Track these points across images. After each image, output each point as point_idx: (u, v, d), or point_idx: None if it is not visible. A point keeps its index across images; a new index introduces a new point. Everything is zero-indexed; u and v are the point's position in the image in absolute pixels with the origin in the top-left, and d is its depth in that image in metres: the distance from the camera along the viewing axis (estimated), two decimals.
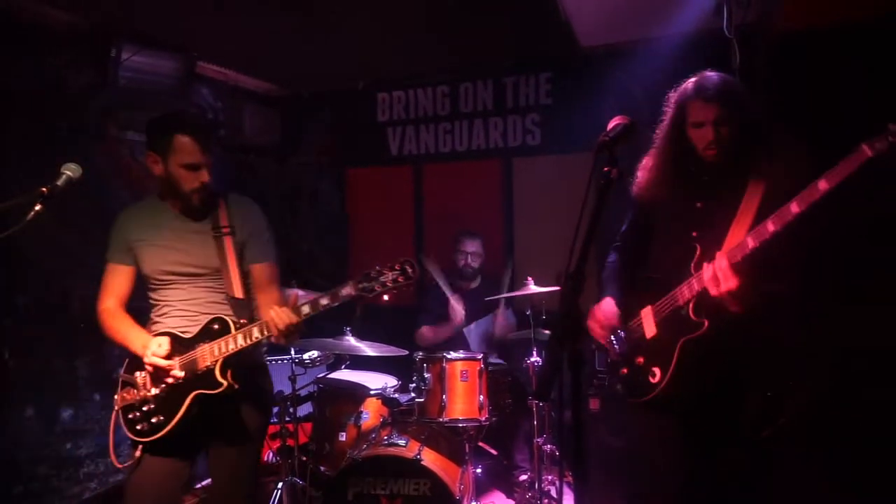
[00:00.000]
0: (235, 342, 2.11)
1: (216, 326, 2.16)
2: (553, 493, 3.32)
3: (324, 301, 2.04)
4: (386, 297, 2.05)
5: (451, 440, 3.18)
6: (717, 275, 1.83)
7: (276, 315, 2.05)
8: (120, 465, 2.25)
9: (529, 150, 4.46)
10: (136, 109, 3.90)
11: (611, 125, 1.59)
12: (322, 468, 3.35)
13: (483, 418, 3.15)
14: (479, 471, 3.26)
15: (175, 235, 2.25)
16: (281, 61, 4.36)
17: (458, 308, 3.88)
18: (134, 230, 2.28)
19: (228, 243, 2.25)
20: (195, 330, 2.19)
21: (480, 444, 3.51)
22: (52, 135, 3.48)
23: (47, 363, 3.46)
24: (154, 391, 2.15)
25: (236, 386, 2.12)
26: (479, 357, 3.23)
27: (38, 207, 1.90)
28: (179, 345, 2.17)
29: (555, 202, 4.12)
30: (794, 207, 1.71)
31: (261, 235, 2.33)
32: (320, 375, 3.59)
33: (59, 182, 2.00)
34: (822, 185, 1.67)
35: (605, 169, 1.53)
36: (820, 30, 3.11)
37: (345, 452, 3.15)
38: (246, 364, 2.24)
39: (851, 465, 2.76)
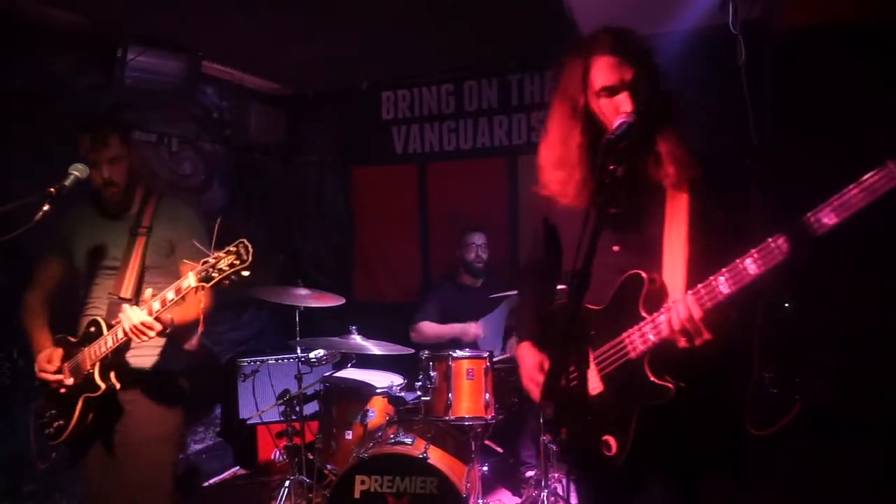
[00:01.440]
0: (106, 344, 2.12)
1: (92, 329, 2.19)
2: (560, 490, 3.32)
3: (169, 295, 2.02)
4: (226, 283, 1.95)
5: (457, 438, 3.19)
6: (687, 327, 1.44)
7: (126, 315, 2.05)
8: (42, 466, 2.32)
9: (534, 149, 4.40)
10: (142, 110, 3.92)
11: (616, 123, 1.58)
12: (328, 466, 3.36)
13: (489, 416, 3.15)
14: (485, 469, 3.27)
15: (100, 231, 2.32)
16: (286, 60, 4.37)
17: (475, 333, 3.88)
18: (69, 226, 2.38)
19: (139, 243, 2.29)
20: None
21: (486, 442, 3.51)
22: (58, 135, 3.49)
23: None
24: (51, 400, 2.23)
25: (117, 386, 2.15)
26: (486, 355, 3.24)
27: (46, 207, 1.93)
28: (72, 348, 2.22)
29: None
30: (782, 243, 1.32)
31: (191, 235, 2.30)
32: (326, 374, 3.59)
33: (67, 182, 2.03)
34: (830, 219, 1.27)
35: (611, 167, 1.51)
36: (826, 27, 3.09)
37: (351, 451, 3.15)
38: (148, 368, 2.28)
39: (858, 462, 2.75)
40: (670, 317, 1.47)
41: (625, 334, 1.57)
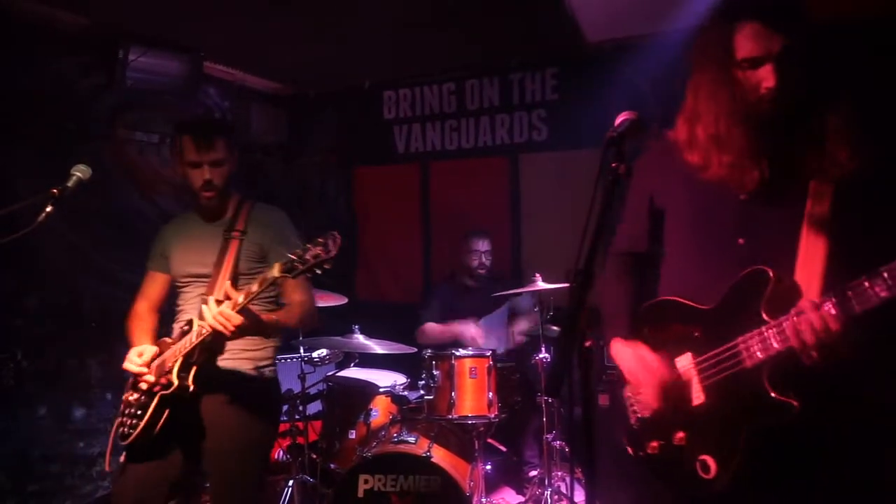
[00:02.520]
0: (190, 340, 2.10)
1: (186, 328, 2.17)
2: (563, 489, 3.32)
3: (254, 288, 1.98)
4: (309, 275, 1.97)
5: (460, 437, 3.19)
6: (823, 338, 1.21)
7: (209, 313, 2.00)
8: (109, 469, 2.31)
9: (536, 147, 4.45)
10: (144, 110, 3.93)
11: (618, 120, 1.55)
12: (332, 466, 3.36)
13: (492, 415, 3.15)
14: (488, 467, 3.27)
15: (194, 237, 2.33)
16: (287, 60, 4.37)
17: (475, 336, 3.85)
18: (166, 237, 2.40)
19: (233, 246, 2.27)
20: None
21: (490, 440, 3.51)
22: (60, 136, 3.51)
23: (59, 363, 3.48)
24: (134, 396, 2.20)
25: (191, 387, 2.08)
26: (488, 354, 3.24)
27: (48, 208, 1.93)
28: (165, 349, 2.20)
29: (562, 198, 4.11)
30: None
31: (284, 242, 2.28)
32: (330, 374, 3.60)
33: (69, 183, 2.03)
34: None
35: (613, 165, 1.50)
36: (826, 27, 3.08)
37: (354, 450, 3.15)
38: (234, 375, 2.24)
39: None
40: (804, 322, 1.23)
41: (740, 339, 1.35)
